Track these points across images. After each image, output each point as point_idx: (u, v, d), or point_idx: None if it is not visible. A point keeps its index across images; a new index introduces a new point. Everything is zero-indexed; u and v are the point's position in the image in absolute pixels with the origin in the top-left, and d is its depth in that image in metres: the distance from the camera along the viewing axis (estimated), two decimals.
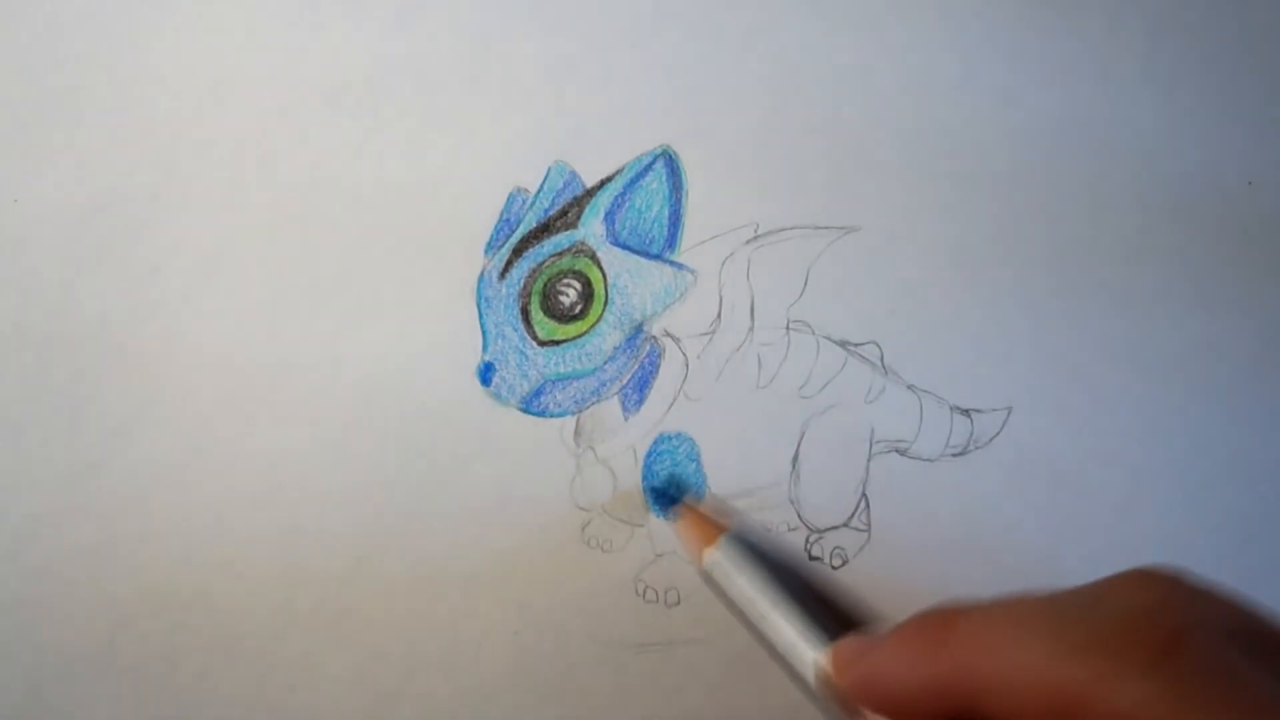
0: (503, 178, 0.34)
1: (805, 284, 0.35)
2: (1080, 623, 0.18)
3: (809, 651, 0.23)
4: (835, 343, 0.35)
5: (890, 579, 0.35)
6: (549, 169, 0.34)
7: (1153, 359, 0.37)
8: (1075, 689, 0.17)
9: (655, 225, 0.35)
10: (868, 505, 0.35)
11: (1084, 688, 0.17)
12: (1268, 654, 0.17)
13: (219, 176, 0.33)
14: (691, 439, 0.35)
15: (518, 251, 0.34)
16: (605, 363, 0.35)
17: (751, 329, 0.35)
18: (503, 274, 0.34)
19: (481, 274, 0.34)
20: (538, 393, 0.34)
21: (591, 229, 0.34)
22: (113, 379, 0.33)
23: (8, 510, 0.33)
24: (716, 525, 0.26)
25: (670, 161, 0.34)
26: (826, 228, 0.35)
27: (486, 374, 0.34)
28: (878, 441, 0.35)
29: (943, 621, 0.20)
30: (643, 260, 0.35)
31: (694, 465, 0.35)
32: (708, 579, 0.25)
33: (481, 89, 0.34)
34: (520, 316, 0.34)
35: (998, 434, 0.36)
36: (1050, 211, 0.36)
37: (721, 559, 0.24)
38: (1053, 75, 0.36)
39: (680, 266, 0.35)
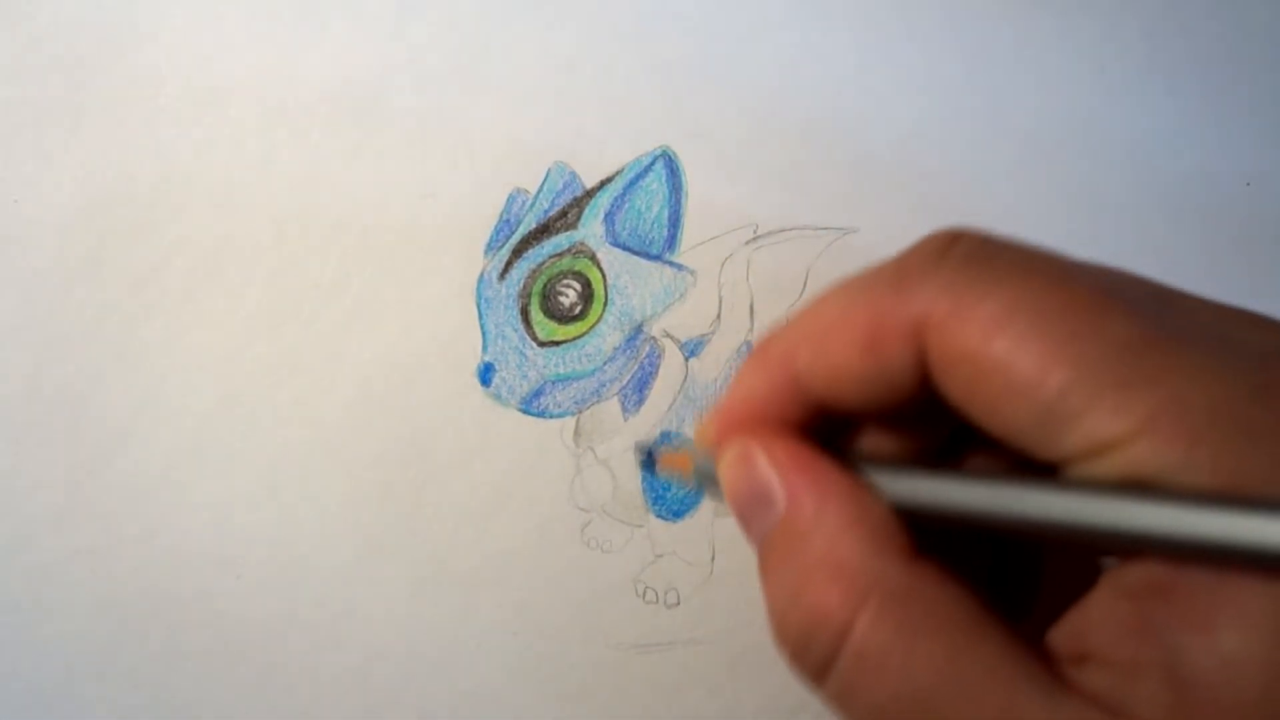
0: (502, 178, 0.34)
1: (804, 285, 0.35)
2: (880, 267, 0.20)
3: None
4: None
5: None
6: (549, 170, 0.34)
7: None
8: (875, 309, 0.19)
9: (655, 226, 0.35)
10: None
11: (880, 312, 0.19)
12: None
13: (219, 177, 0.33)
14: (691, 439, 0.35)
15: (517, 252, 0.34)
16: (605, 363, 0.35)
17: (751, 329, 0.35)
18: (502, 275, 0.34)
19: (481, 275, 0.34)
20: (537, 393, 0.34)
21: (591, 230, 0.34)
22: (113, 379, 0.33)
23: (8, 510, 0.33)
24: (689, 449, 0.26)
25: (670, 162, 0.35)
26: (825, 228, 0.35)
27: (486, 374, 0.34)
28: None
29: (762, 349, 0.21)
30: (642, 261, 0.35)
31: None
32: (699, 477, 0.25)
33: (481, 90, 0.34)
34: (520, 317, 0.34)
35: None
36: (1048, 212, 0.36)
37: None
38: (1051, 76, 0.36)
39: (680, 267, 0.35)
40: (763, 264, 0.35)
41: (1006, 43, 0.36)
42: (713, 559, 0.35)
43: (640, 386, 0.35)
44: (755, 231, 0.35)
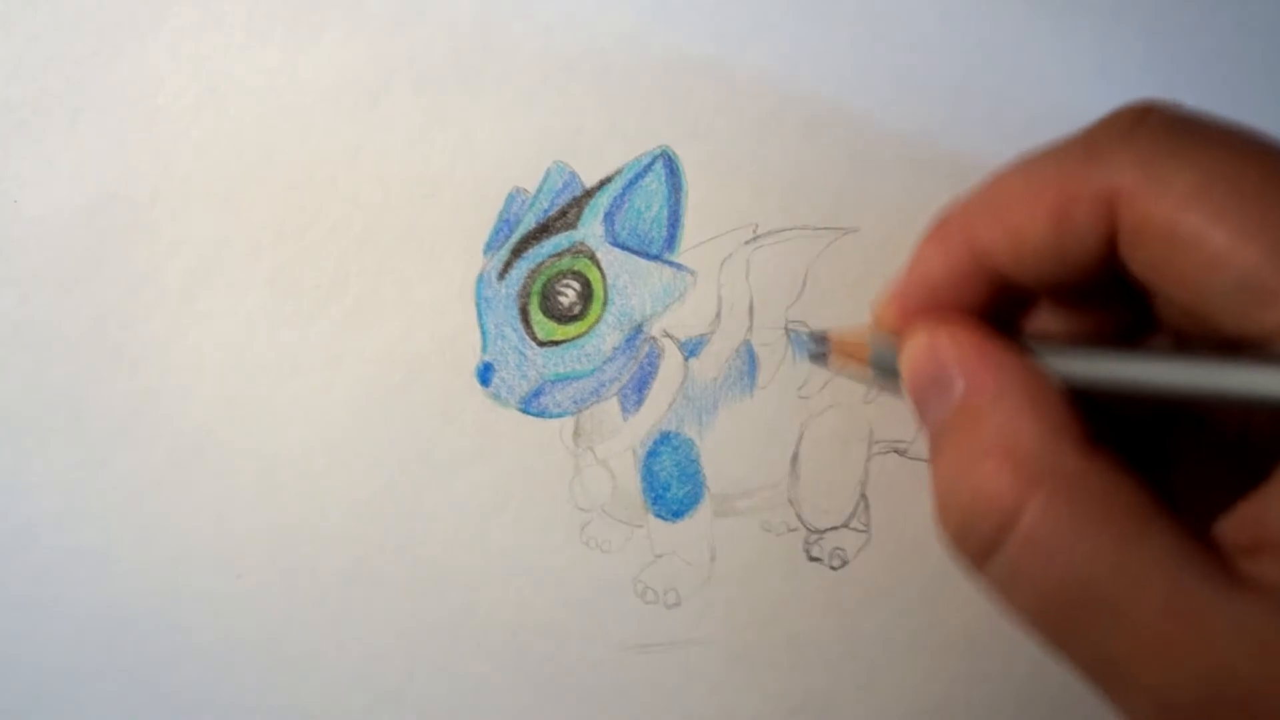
0: (502, 178, 0.34)
1: (804, 284, 0.35)
2: (1069, 140, 0.20)
3: None
4: None
5: (890, 579, 0.35)
6: (548, 169, 0.34)
7: None
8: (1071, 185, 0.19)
9: (654, 226, 0.35)
10: (867, 506, 0.35)
11: (1069, 183, 0.19)
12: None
13: (218, 176, 0.33)
14: (690, 439, 0.35)
15: (517, 252, 0.34)
16: (604, 363, 0.35)
17: (750, 329, 0.35)
18: (502, 274, 0.34)
19: (480, 274, 0.34)
20: (537, 393, 0.34)
21: (591, 229, 0.34)
22: (112, 379, 0.33)
23: (7, 511, 0.33)
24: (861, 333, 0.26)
25: (669, 162, 0.35)
26: (825, 228, 0.35)
27: (486, 374, 0.34)
28: (877, 442, 0.35)
29: (942, 225, 0.22)
30: (642, 261, 0.35)
31: (693, 465, 0.35)
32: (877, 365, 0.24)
33: (481, 89, 0.34)
34: (519, 317, 0.34)
35: None
36: None
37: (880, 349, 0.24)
38: (1051, 75, 0.36)
39: (679, 267, 0.35)
40: (762, 264, 0.35)
41: (1007, 43, 0.36)
42: (712, 559, 0.35)
43: (640, 386, 0.35)
44: (755, 231, 0.35)
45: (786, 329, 0.34)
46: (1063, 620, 0.18)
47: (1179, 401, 0.19)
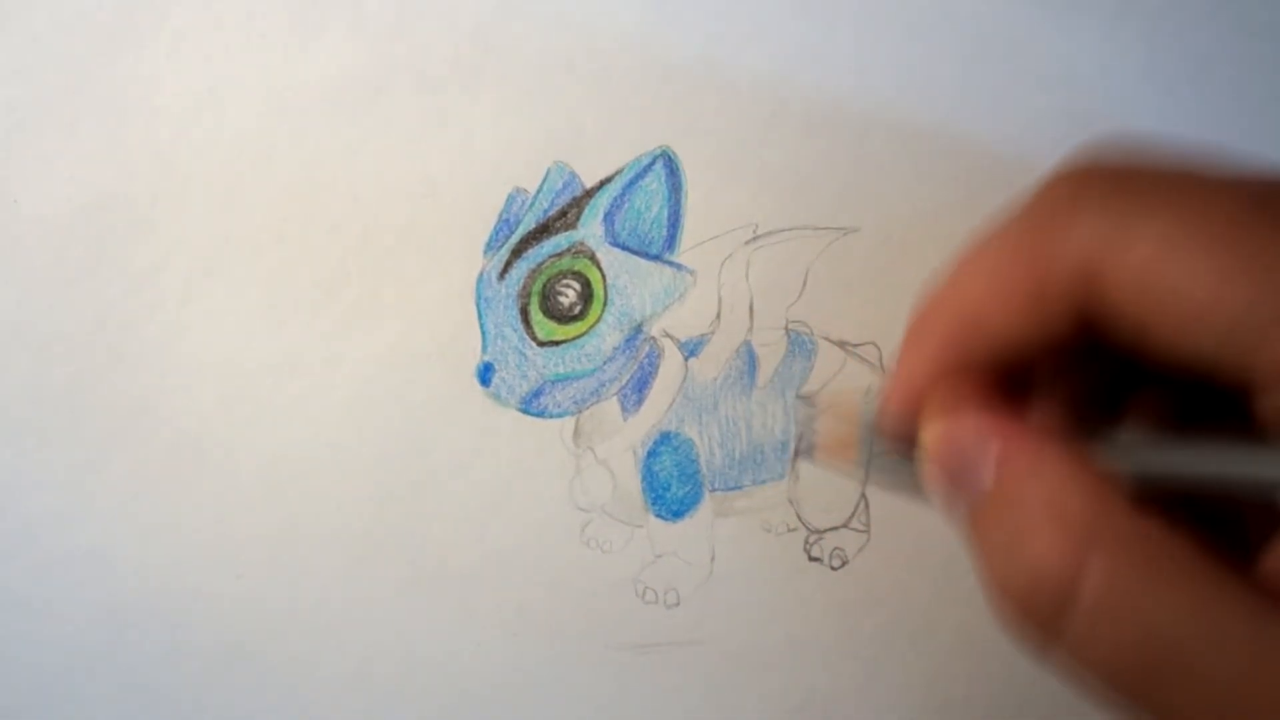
0: (502, 178, 0.34)
1: (804, 284, 0.35)
2: (1023, 210, 0.19)
3: None
4: (834, 343, 0.35)
5: (890, 580, 0.35)
6: (548, 169, 0.34)
7: None
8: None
9: (654, 226, 0.35)
10: (867, 506, 0.35)
11: (1040, 249, 0.18)
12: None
13: (218, 177, 0.33)
14: (691, 439, 0.35)
15: (517, 252, 0.34)
16: (605, 363, 0.35)
17: (750, 329, 0.35)
18: (502, 274, 0.34)
19: (480, 274, 0.34)
20: (537, 393, 0.34)
21: (591, 230, 0.34)
22: (112, 380, 0.33)
23: (7, 511, 0.33)
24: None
25: (669, 162, 0.34)
26: (826, 228, 0.35)
27: (486, 374, 0.34)
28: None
29: (918, 329, 0.21)
30: (642, 261, 0.35)
31: (693, 465, 0.35)
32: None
33: (480, 89, 0.34)
34: (519, 317, 0.34)
35: None
36: None
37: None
38: (1051, 75, 0.36)
39: (679, 267, 0.35)
40: (762, 264, 0.35)
41: (1007, 43, 0.36)
42: (713, 559, 0.35)
43: (640, 386, 0.35)
44: (755, 231, 0.35)
45: (790, 402, 0.34)
46: (1140, 684, 0.17)
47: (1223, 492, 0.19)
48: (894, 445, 0.22)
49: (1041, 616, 0.18)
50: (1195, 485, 0.19)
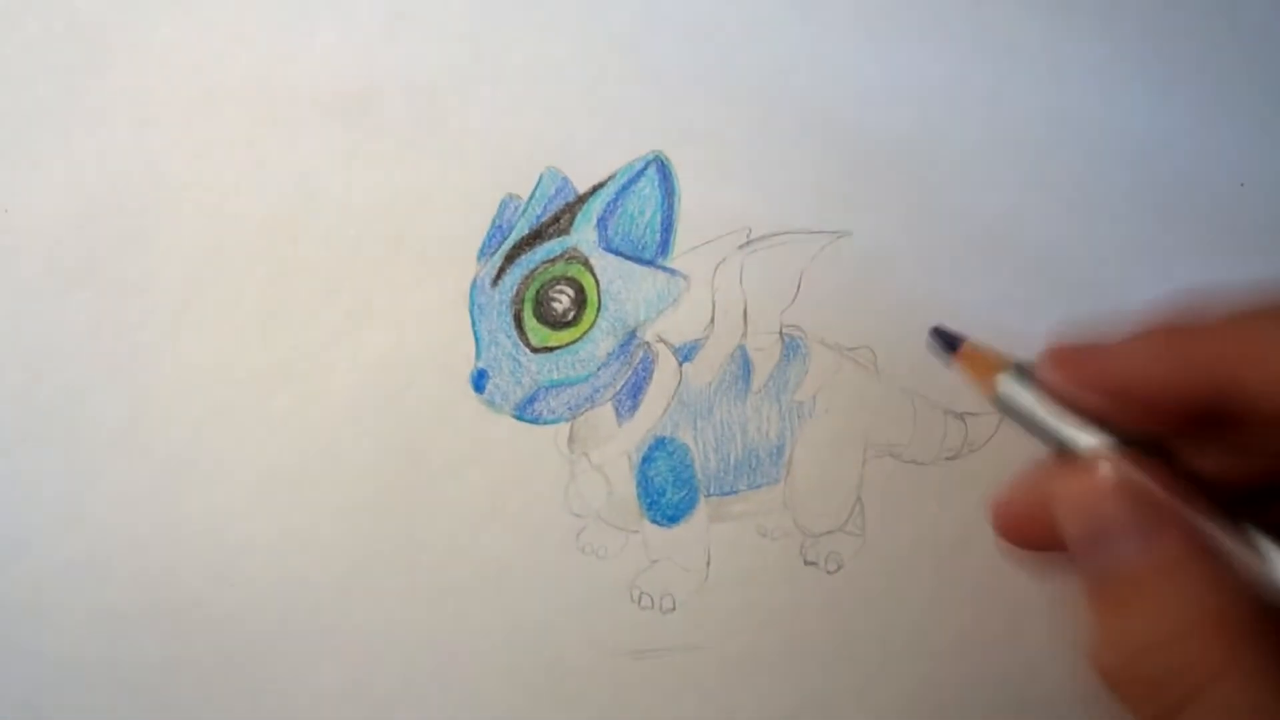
0: (495, 184, 0.34)
1: (798, 289, 0.35)
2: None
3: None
4: (829, 347, 0.35)
5: (885, 583, 0.35)
6: (541, 175, 0.34)
7: None
8: None
9: (648, 231, 0.35)
10: (862, 509, 0.35)
11: None
12: None
13: (210, 185, 0.33)
14: (685, 444, 0.35)
15: (510, 258, 0.34)
16: (599, 369, 0.35)
17: (744, 334, 0.35)
18: (495, 280, 0.34)
19: (474, 281, 0.34)
20: (531, 399, 0.34)
21: (584, 235, 0.34)
22: (106, 388, 0.33)
23: (2, 521, 0.33)
24: (1000, 358, 0.25)
25: (662, 167, 0.34)
26: (819, 232, 0.35)
27: (480, 381, 0.34)
28: (871, 445, 0.35)
29: (1188, 318, 0.20)
30: (635, 266, 0.35)
31: (688, 470, 0.35)
32: (1002, 405, 0.23)
33: (473, 96, 0.34)
34: (513, 323, 0.34)
35: (992, 437, 0.36)
36: (1042, 213, 0.36)
37: (1014, 385, 0.23)
38: (1045, 77, 0.36)
39: (673, 272, 0.35)
40: (756, 268, 0.35)
41: (1000, 46, 0.36)
42: (708, 564, 0.35)
43: (634, 392, 0.35)
44: (748, 236, 0.35)
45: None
46: None
47: None
48: (1050, 398, 0.21)
49: (1159, 707, 0.18)
50: None
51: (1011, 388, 0.22)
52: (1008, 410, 0.22)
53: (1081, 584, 0.20)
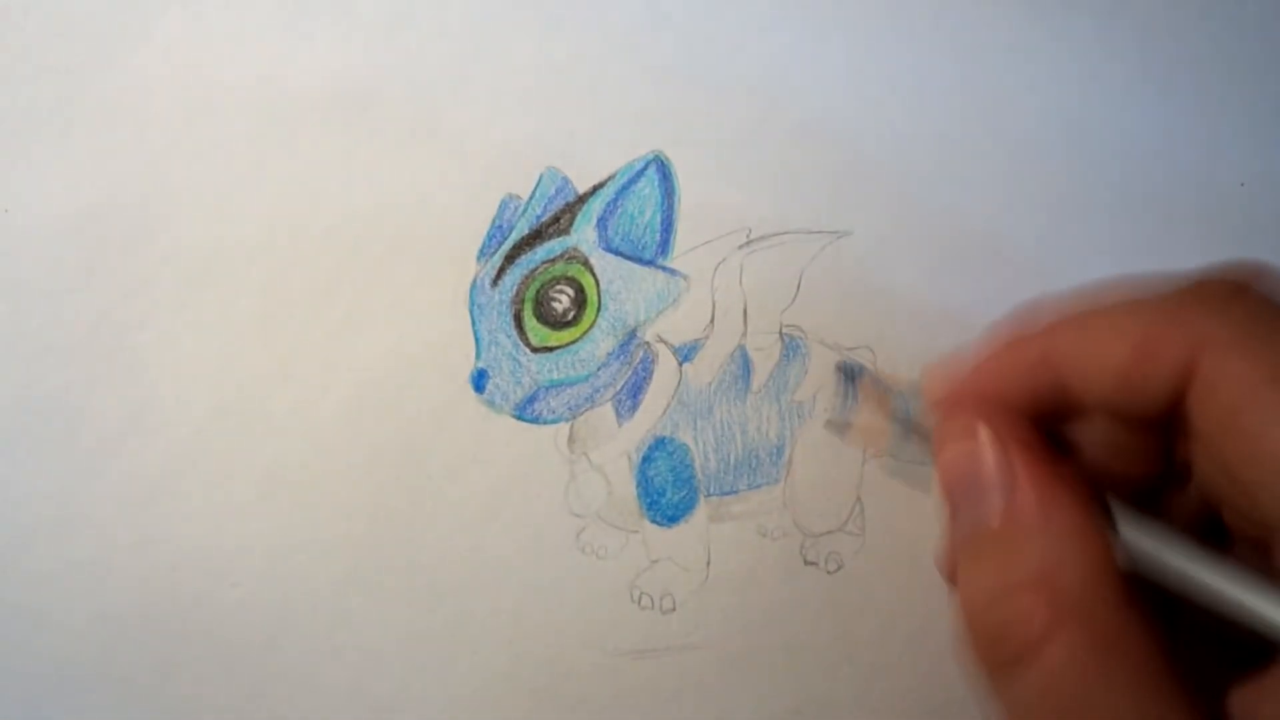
0: (495, 184, 0.34)
1: (798, 289, 0.35)
2: (1166, 290, 0.20)
3: None
4: (828, 347, 0.35)
5: (885, 583, 0.35)
6: (541, 175, 0.34)
7: None
8: (1155, 331, 0.19)
9: (648, 231, 0.35)
10: (862, 509, 0.35)
11: (1160, 329, 0.19)
12: None
13: (210, 186, 0.33)
14: (685, 444, 0.35)
15: (510, 258, 0.34)
16: (599, 369, 0.35)
17: (744, 334, 0.35)
18: (495, 281, 0.34)
19: (474, 281, 0.34)
20: (531, 399, 0.34)
21: (584, 235, 0.34)
22: (106, 388, 0.33)
23: (2, 520, 0.33)
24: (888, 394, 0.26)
25: (662, 167, 0.34)
26: (819, 232, 0.35)
27: (480, 381, 0.34)
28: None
29: (1028, 326, 0.21)
30: (635, 266, 0.35)
31: (688, 471, 0.35)
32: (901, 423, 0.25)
33: (472, 95, 0.34)
34: (513, 323, 0.34)
35: None
36: (1042, 214, 0.36)
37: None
38: (1044, 78, 0.36)
39: (673, 272, 0.35)
40: (756, 268, 0.35)
41: (999, 46, 0.36)
42: (708, 564, 0.35)
43: (634, 392, 0.35)
44: (748, 236, 0.35)
45: (839, 365, 0.34)
46: None
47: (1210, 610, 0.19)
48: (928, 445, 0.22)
49: (998, 661, 0.19)
50: (1197, 595, 0.19)
51: (906, 412, 0.24)
52: (908, 428, 0.24)
53: (952, 539, 0.21)
